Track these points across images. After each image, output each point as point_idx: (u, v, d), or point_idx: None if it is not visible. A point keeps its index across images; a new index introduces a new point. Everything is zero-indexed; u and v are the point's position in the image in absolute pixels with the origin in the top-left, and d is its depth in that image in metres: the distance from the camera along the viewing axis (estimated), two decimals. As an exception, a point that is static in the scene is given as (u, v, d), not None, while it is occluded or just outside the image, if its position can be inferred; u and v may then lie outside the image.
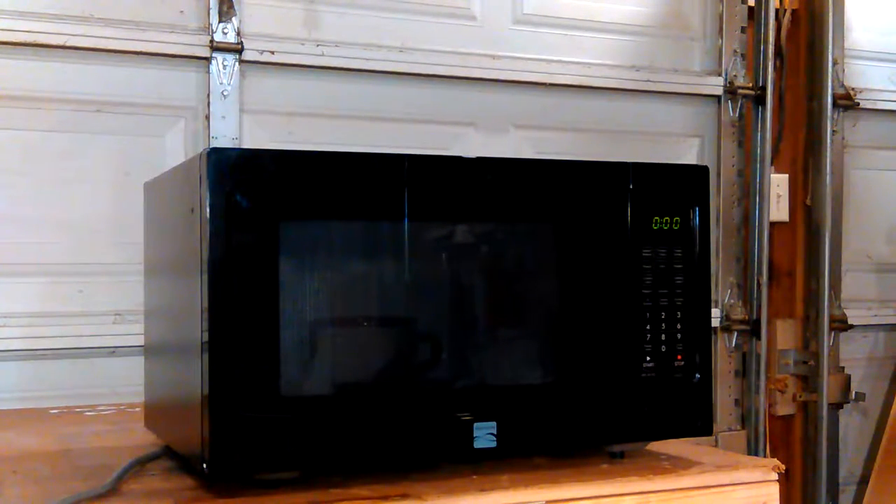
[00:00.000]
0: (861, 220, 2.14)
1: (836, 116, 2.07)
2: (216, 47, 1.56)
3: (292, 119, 1.64)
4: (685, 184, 0.97)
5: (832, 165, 2.05)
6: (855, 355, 2.17)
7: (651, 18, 1.91)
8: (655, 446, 0.99)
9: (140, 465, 0.92)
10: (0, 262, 1.46)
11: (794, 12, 2.07)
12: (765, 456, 1.95)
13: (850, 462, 2.18)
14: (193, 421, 0.82)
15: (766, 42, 1.99)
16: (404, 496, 0.80)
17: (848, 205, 2.12)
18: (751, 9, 2.00)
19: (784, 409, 2.11)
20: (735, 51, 1.97)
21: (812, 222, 2.08)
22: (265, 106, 1.62)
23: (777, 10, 2.01)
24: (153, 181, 1.06)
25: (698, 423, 0.96)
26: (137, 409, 1.20)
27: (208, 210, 0.79)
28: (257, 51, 1.59)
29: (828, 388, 2.06)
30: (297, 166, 0.83)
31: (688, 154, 1.95)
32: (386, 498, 0.80)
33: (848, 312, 2.11)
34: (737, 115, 1.98)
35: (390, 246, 0.87)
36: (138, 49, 1.52)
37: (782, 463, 0.95)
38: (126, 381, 1.44)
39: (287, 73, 1.63)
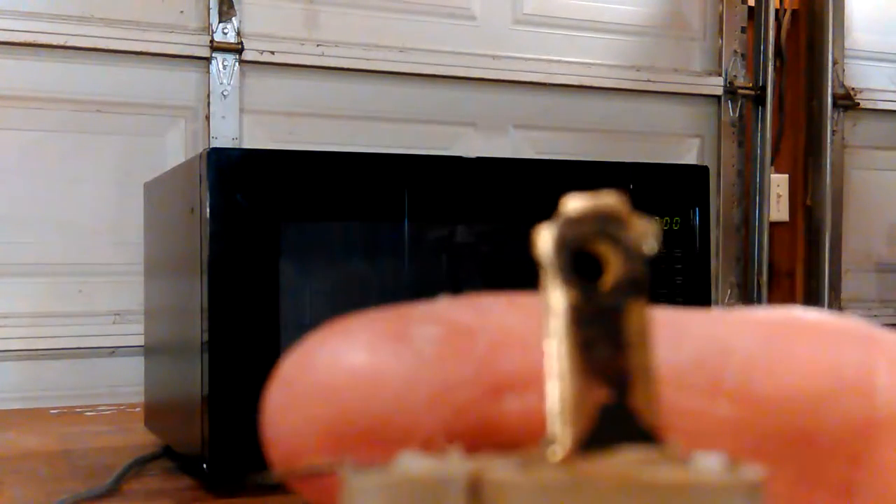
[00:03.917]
0: (861, 220, 2.14)
1: (836, 116, 2.07)
2: (216, 47, 1.56)
3: (292, 119, 1.64)
4: (685, 184, 0.97)
5: (832, 165, 2.05)
6: (855, 355, 2.16)
7: (651, 18, 1.91)
8: (655, 446, 0.99)
9: (140, 465, 0.92)
10: (0, 262, 1.46)
11: (794, 12, 2.07)
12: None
13: (850, 462, 2.18)
14: (193, 421, 0.82)
15: (766, 42, 1.99)
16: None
17: (848, 205, 2.12)
18: (751, 9, 2.00)
19: (784, 409, 2.11)
20: (735, 51, 1.98)
21: (812, 222, 2.08)
22: (265, 106, 1.62)
23: (777, 10, 2.01)
24: (153, 181, 1.06)
25: (698, 423, 0.96)
26: (137, 409, 1.20)
27: (208, 210, 0.79)
28: (257, 51, 1.59)
29: (828, 388, 2.06)
30: (298, 166, 0.83)
31: (688, 154, 1.95)
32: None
33: (848, 313, 2.11)
34: (737, 115, 1.98)
35: (390, 246, 0.87)
36: (138, 49, 1.52)
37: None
38: (126, 381, 1.44)
39: (287, 73, 1.63)
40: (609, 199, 0.14)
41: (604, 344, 0.13)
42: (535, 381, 0.14)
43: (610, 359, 0.13)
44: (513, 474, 0.12)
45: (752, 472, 0.12)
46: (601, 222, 0.14)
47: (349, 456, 0.14)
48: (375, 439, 0.14)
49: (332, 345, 0.15)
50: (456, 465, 0.13)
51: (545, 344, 0.14)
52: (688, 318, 0.15)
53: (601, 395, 0.13)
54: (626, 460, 0.13)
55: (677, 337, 0.15)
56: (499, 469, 0.12)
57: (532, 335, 0.14)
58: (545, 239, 0.14)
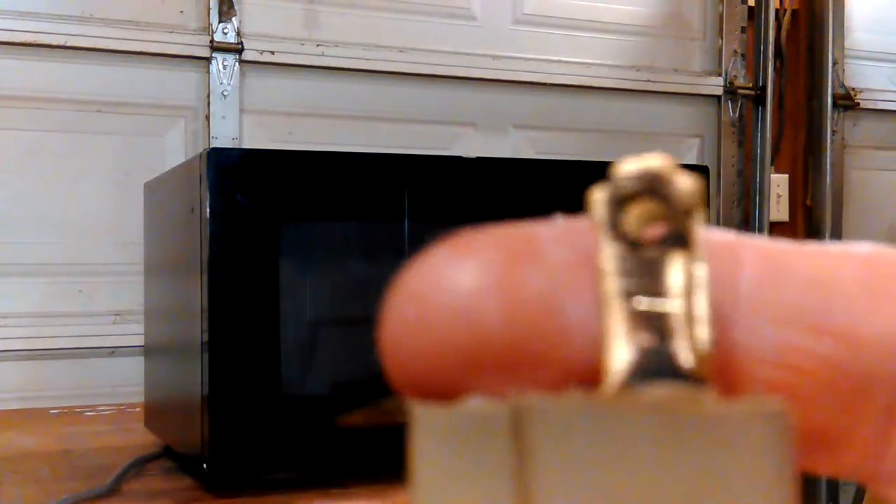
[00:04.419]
0: (861, 220, 2.14)
1: (836, 116, 2.07)
2: (216, 47, 1.56)
3: (292, 119, 1.64)
4: (685, 184, 0.97)
5: (832, 165, 2.05)
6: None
7: (651, 18, 1.91)
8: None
9: (140, 465, 0.92)
10: (0, 262, 1.46)
11: (794, 12, 2.07)
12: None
13: (850, 462, 2.17)
14: (193, 421, 0.82)
15: (766, 42, 1.99)
16: (405, 496, 0.80)
17: (848, 205, 2.12)
18: (751, 9, 2.00)
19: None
20: (735, 51, 1.98)
21: (812, 222, 2.08)
22: (265, 106, 1.62)
23: (777, 10, 2.01)
24: (153, 181, 1.06)
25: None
26: (137, 409, 1.20)
27: (208, 210, 0.79)
28: (257, 51, 1.59)
29: (828, 388, 2.06)
30: (297, 166, 0.83)
31: (688, 154, 1.95)
32: (387, 498, 0.80)
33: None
34: (737, 115, 1.98)
35: (390, 246, 0.87)
36: (138, 49, 1.52)
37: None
38: (126, 381, 1.44)
39: (287, 73, 1.63)
40: (655, 160, 0.15)
41: (646, 293, 0.14)
42: None
43: (652, 306, 0.14)
44: (549, 403, 0.13)
45: (776, 403, 0.13)
46: (647, 181, 0.15)
47: (481, 380, 0.15)
48: (507, 366, 0.14)
49: (465, 261, 0.15)
50: (508, 401, 0.14)
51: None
52: (795, 252, 0.15)
53: (643, 339, 0.14)
54: (658, 394, 0.14)
55: (785, 273, 0.15)
56: (539, 400, 0.13)
57: None
58: (597, 198, 0.15)
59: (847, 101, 2.09)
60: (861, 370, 0.15)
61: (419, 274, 0.15)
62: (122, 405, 1.37)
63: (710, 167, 1.10)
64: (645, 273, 0.14)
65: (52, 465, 0.97)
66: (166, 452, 0.96)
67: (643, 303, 0.14)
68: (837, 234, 2.09)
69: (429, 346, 0.15)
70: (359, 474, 0.85)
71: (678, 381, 0.14)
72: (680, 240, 0.15)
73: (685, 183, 0.15)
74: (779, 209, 2.08)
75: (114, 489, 0.84)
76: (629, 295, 0.14)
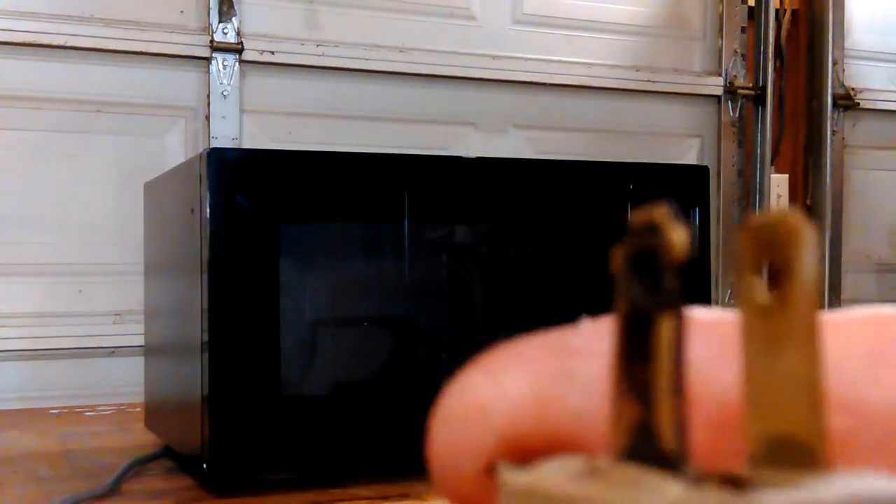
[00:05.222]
0: (861, 220, 2.14)
1: (836, 116, 2.07)
2: (216, 47, 1.56)
3: (292, 119, 1.64)
4: (685, 184, 0.97)
5: (832, 165, 2.05)
6: (855, 355, 2.16)
7: (651, 18, 1.91)
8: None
9: (140, 465, 0.92)
10: (0, 262, 1.46)
11: (794, 12, 2.07)
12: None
13: (850, 462, 2.17)
14: (193, 421, 0.82)
15: (766, 42, 1.99)
16: (404, 496, 0.81)
17: (848, 205, 2.12)
18: (751, 9, 2.00)
19: (784, 409, 2.10)
20: (735, 51, 1.97)
21: (812, 222, 2.08)
22: (265, 106, 1.62)
23: (777, 10, 2.01)
24: (153, 181, 1.06)
25: (698, 423, 0.96)
26: (137, 409, 1.20)
27: (208, 210, 0.79)
28: (257, 51, 1.59)
29: (828, 388, 2.06)
30: (297, 166, 0.83)
31: (688, 154, 1.95)
32: (386, 498, 0.80)
33: (848, 312, 2.10)
34: (737, 115, 1.98)
35: (390, 246, 0.87)
36: (138, 49, 1.52)
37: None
38: (126, 381, 1.44)
39: (287, 73, 1.63)
40: (653, 212, 0.14)
41: (637, 358, 0.13)
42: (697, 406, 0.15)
43: (640, 374, 0.13)
44: (514, 476, 0.13)
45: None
46: (651, 235, 0.14)
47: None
48: None
49: (503, 383, 0.15)
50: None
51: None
52: None
53: (632, 411, 0.13)
54: (605, 484, 0.13)
55: None
56: (513, 472, 0.13)
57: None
58: (614, 262, 0.15)
59: (847, 101, 2.09)
60: (871, 439, 0.15)
61: (459, 398, 0.16)
62: (122, 405, 1.37)
63: (710, 167, 1.10)
64: (638, 335, 0.14)
65: (52, 465, 0.97)
66: (166, 452, 0.96)
67: (631, 375, 0.13)
68: (837, 235, 2.09)
69: (474, 470, 0.15)
70: (359, 474, 0.85)
71: (662, 465, 0.13)
72: (665, 297, 0.14)
73: (674, 235, 0.14)
74: (779, 209, 2.08)
75: (114, 489, 0.84)
76: (627, 366, 0.13)
